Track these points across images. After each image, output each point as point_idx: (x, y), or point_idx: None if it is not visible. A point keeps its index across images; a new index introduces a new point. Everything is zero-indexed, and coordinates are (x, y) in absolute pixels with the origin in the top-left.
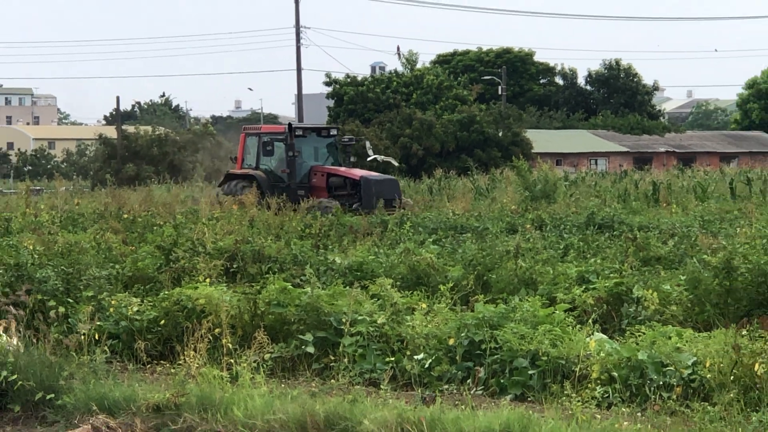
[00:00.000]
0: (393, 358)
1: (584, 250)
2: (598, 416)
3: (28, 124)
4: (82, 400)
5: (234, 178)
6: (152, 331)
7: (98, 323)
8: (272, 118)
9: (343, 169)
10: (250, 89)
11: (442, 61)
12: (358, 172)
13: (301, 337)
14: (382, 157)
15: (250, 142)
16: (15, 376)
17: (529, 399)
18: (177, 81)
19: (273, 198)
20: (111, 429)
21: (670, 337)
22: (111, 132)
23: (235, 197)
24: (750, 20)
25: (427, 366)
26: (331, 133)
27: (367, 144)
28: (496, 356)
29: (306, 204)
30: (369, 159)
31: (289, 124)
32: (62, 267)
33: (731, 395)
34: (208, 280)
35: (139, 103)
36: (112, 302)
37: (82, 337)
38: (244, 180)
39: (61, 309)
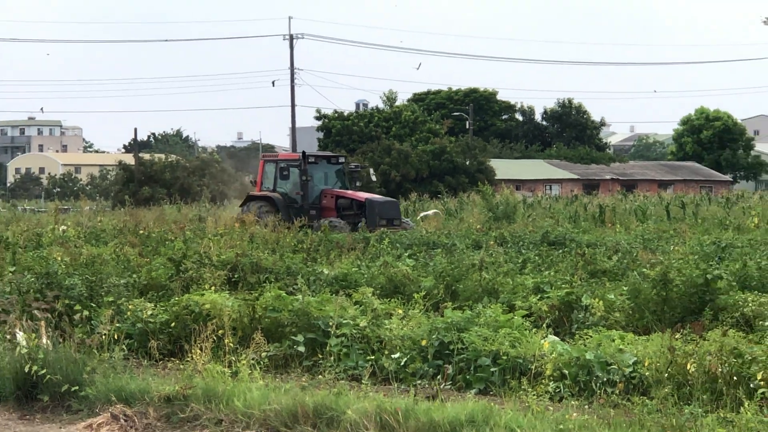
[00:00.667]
0: (373, 357)
1: (540, 264)
2: (551, 408)
3: (57, 151)
4: (103, 391)
5: (254, 200)
6: (164, 332)
7: (117, 325)
8: (270, 148)
9: (350, 192)
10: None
11: (418, 99)
12: (363, 195)
13: (293, 338)
14: (373, 175)
15: (269, 167)
16: (44, 371)
17: (491, 393)
18: (187, 114)
19: (289, 217)
20: (128, 417)
21: (613, 340)
22: (129, 159)
23: (259, 218)
24: (685, 65)
25: (402, 364)
26: (340, 161)
27: (371, 170)
28: (462, 355)
29: (300, 222)
30: (374, 182)
31: (303, 153)
32: (86, 276)
33: (666, 390)
34: (212, 288)
35: (154, 133)
36: (130, 307)
37: (103, 337)
38: (262, 201)
39: (85, 312)
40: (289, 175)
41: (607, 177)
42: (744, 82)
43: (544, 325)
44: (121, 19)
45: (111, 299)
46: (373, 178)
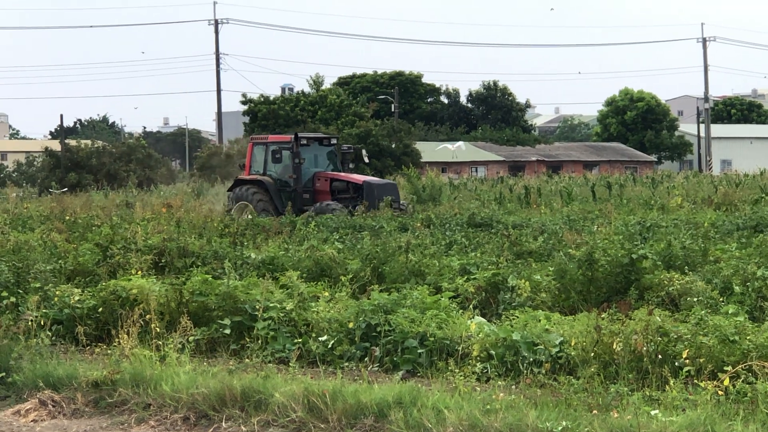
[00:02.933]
0: (300, 340)
1: (466, 246)
2: (478, 389)
3: None
4: (30, 377)
5: (243, 184)
6: (91, 318)
7: (44, 311)
8: (196, 133)
9: (344, 174)
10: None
11: (343, 82)
12: (360, 177)
13: (220, 321)
14: (366, 154)
15: (257, 150)
16: None
17: (418, 374)
18: (113, 100)
19: (281, 201)
20: (55, 402)
21: (540, 320)
22: (56, 145)
23: (248, 203)
24: (609, 46)
25: (330, 346)
26: (332, 142)
27: (363, 152)
28: (389, 337)
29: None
30: (366, 163)
31: (296, 134)
32: (13, 262)
33: (593, 370)
34: (139, 272)
35: (80, 120)
36: (57, 293)
37: (30, 323)
38: (252, 185)
39: (12, 299)
40: (281, 158)
41: (533, 158)
42: (668, 63)
43: (471, 307)
44: (46, 5)
45: (38, 285)
46: (366, 160)
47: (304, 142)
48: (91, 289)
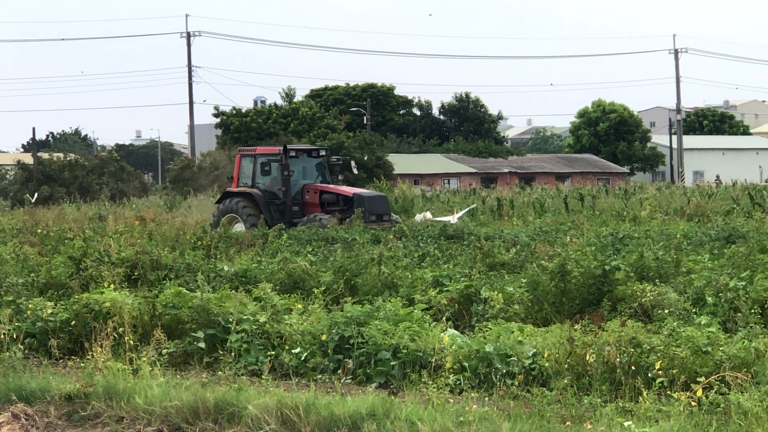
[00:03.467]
0: (273, 352)
1: (439, 257)
2: (451, 400)
3: None
4: (3, 390)
5: (232, 196)
6: (64, 331)
7: (17, 324)
8: (169, 146)
9: (334, 186)
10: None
11: (315, 95)
12: (350, 190)
13: (193, 334)
14: (354, 165)
15: (245, 162)
16: None
17: (391, 386)
18: (86, 113)
19: (270, 213)
20: (28, 415)
21: (513, 332)
22: (28, 158)
23: (236, 215)
24: (581, 58)
25: (303, 359)
26: (321, 154)
27: (352, 163)
28: (362, 350)
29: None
30: (355, 174)
31: (284, 146)
32: None
33: (566, 381)
34: (112, 285)
35: (52, 133)
36: (29, 306)
37: (2, 336)
38: (241, 197)
39: None
40: (270, 170)
41: (505, 170)
42: (640, 74)
43: (444, 318)
44: (17, 18)
45: (10, 298)
46: (354, 171)
47: (293, 154)
48: (64, 302)
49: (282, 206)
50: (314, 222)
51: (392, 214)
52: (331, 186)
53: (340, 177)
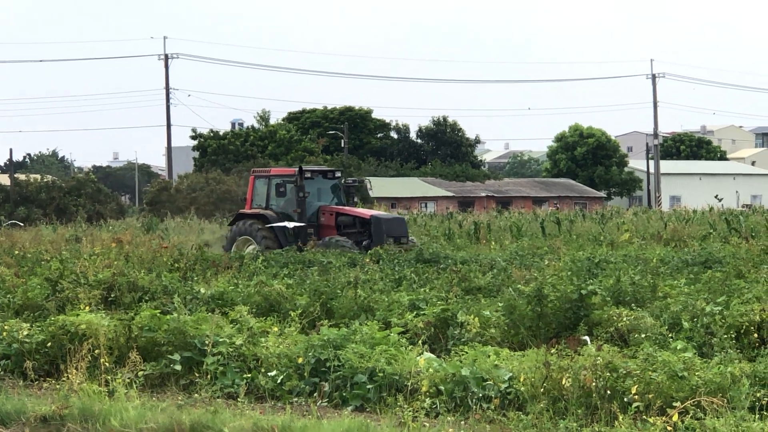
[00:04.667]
0: (249, 375)
1: (415, 281)
2: (427, 424)
3: None
4: None
5: (245, 218)
6: (40, 352)
7: None
8: (146, 168)
9: (350, 208)
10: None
11: (293, 117)
12: (367, 212)
13: (169, 356)
14: (370, 186)
15: (259, 183)
16: None
17: (367, 410)
18: (63, 135)
19: (284, 236)
20: None
21: (489, 356)
22: (5, 179)
23: (251, 238)
24: (559, 83)
25: (279, 381)
26: (336, 176)
27: (368, 184)
28: (339, 373)
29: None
30: (372, 196)
31: (300, 167)
32: None
33: (542, 405)
34: (88, 307)
35: (29, 154)
36: (5, 327)
37: None
38: (255, 219)
39: None
40: (285, 191)
41: (483, 194)
42: (617, 99)
43: (420, 342)
44: None
45: None
46: (370, 193)
47: (308, 175)
48: (39, 324)
49: (297, 228)
50: (332, 244)
51: (411, 238)
52: (348, 208)
53: (356, 199)
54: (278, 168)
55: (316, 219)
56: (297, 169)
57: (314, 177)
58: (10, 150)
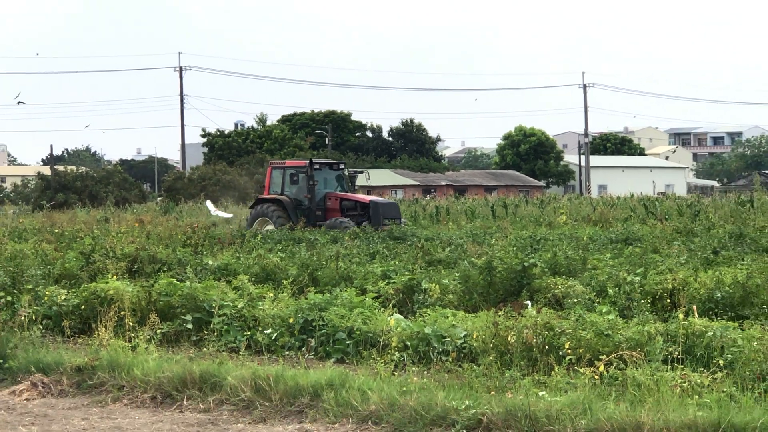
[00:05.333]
0: (249, 333)
1: (387, 255)
2: (396, 373)
3: None
4: (24, 364)
5: (264, 202)
6: (75, 314)
7: (35, 308)
8: (164, 161)
9: (352, 194)
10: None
11: (286, 119)
12: (366, 197)
13: (182, 317)
14: (367, 176)
15: (275, 173)
16: None
17: (347, 361)
18: (95, 133)
19: (297, 217)
20: (45, 384)
21: (447, 317)
22: (47, 171)
23: (267, 218)
24: (508, 90)
25: (273, 338)
26: (340, 167)
27: (367, 175)
28: (323, 331)
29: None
30: (368, 183)
31: (310, 160)
32: (9, 268)
33: (491, 358)
34: (115, 276)
35: (67, 149)
36: (46, 293)
37: (24, 318)
38: (272, 203)
39: (8, 298)
40: (297, 180)
41: (443, 183)
42: (555, 104)
43: (391, 305)
44: (43, 52)
45: (30, 287)
46: (367, 181)
47: (317, 166)
48: (75, 290)
49: (307, 211)
50: (337, 225)
51: (403, 220)
52: (350, 194)
53: (356, 186)
54: (292, 160)
55: (324, 203)
56: (308, 161)
57: (322, 168)
58: (51, 146)
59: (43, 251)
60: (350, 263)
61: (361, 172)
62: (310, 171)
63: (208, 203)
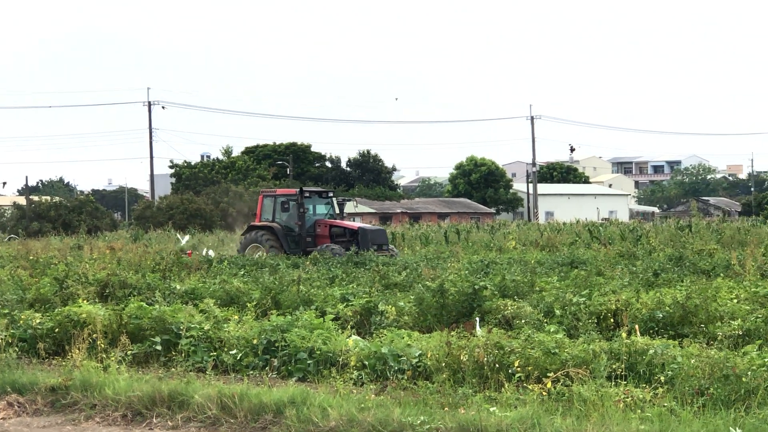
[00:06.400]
0: (215, 353)
1: (345, 279)
2: (355, 391)
3: None
4: (0, 384)
5: (255, 229)
6: (49, 336)
7: (12, 331)
8: (134, 191)
9: (340, 221)
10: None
11: (249, 151)
12: (355, 224)
13: (152, 339)
14: (355, 204)
15: (267, 201)
16: None
17: (308, 380)
18: (68, 165)
19: (288, 243)
20: (20, 404)
21: (403, 337)
22: (22, 200)
23: (259, 244)
24: (460, 122)
25: (238, 358)
26: (329, 195)
27: (355, 202)
28: (285, 351)
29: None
30: (355, 210)
31: (301, 188)
32: None
33: (444, 376)
34: (88, 301)
35: (41, 180)
36: (22, 317)
37: (0, 341)
38: (263, 230)
39: None
40: (288, 207)
41: (398, 210)
42: (505, 135)
43: (349, 327)
44: (12, 89)
45: (6, 311)
46: (355, 208)
47: (307, 194)
48: (49, 314)
49: (297, 238)
50: (327, 251)
51: (390, 246)
52: (338, 221)
53: (344, 214)
54: (282, 189)
55: (314, 230)
56: (298, 190)
57: (312, 196)
58: (26, 177)
59: (19, 277)
60: (311, 287)
61: (350, 200)
62: (301, 199)
63: (356, 200)
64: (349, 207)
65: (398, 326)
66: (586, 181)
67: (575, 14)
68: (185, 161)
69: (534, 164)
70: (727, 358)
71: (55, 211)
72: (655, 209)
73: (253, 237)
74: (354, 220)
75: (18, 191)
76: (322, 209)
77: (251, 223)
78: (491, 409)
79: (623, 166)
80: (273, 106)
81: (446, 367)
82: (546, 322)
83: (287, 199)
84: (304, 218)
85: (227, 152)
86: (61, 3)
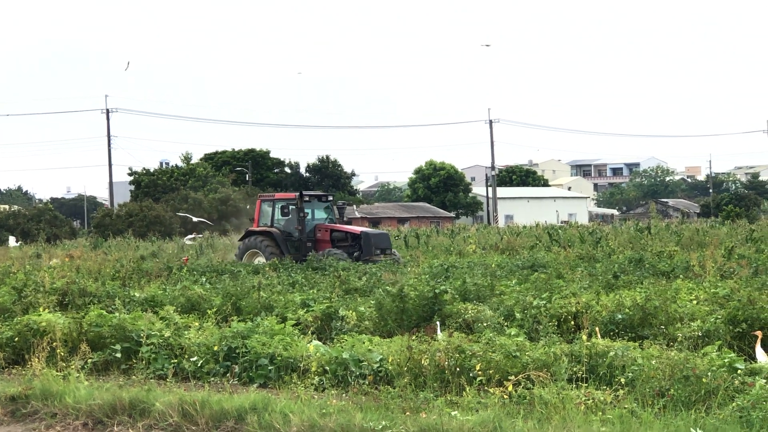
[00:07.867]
0: (176, 360)
1: (305, 284)
2: (316, 396)
3: None
4: None
5: (254, 234)
6: (8, 345)
7: None
8: (93, 199)
9: (342, 225)
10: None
11: (208, 157)
12: (357, 229)
13: (112, 347)
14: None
15: (265, 206)
16: None
17: (269, 386)
18: (26, 173)
19: (287, 249)
20: None
21: (364, 342)
22: None
23: (258, 250)
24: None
25: (199, 365)
26: (328, 199)
27: (355, 206)
28: (246, 357)
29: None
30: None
31: (300, 192)
32: None
33: (406, 380)
34: (47, 309)
35: None
36: None
37: None
38: (262, 235)
39: None
40: (288, 212)
41: (358, 216)
42: (463, 139)
43: (310, 332)
44: None
45: None
46: (356, 213)
47: (307, 199)
48: (8, 323)
49: (298, 243)
50: (331, 256)
51: (393, 250)
52: (340, 225)
53: (345, 218)
54: (281, 193)
55: (314, 235)
56: (298, 194)
57: (311, 200)
58: None
59: None
60: (271, 293)
61: (350, 204)
62: (300, 203)
63: (354, 205)
64: (350, 211)
65: (359, 331)
66: (546, 184)
67: (532, 17)
68: (144, 168)
69: (493, 168)
70: (687, 359)
71: (14, 219)
72: (615, 211)
73: (252, 243)
74: None
75: None
76: (321, 213)
77: (249, 229)
78: (453, 413)
79: (582, 169)
80: (232, 112)
81: (407, 371)
82: (507, 326)
83: (287, 204)
84: (304, 223)
85: (186, 159)
86: (17, 13)
